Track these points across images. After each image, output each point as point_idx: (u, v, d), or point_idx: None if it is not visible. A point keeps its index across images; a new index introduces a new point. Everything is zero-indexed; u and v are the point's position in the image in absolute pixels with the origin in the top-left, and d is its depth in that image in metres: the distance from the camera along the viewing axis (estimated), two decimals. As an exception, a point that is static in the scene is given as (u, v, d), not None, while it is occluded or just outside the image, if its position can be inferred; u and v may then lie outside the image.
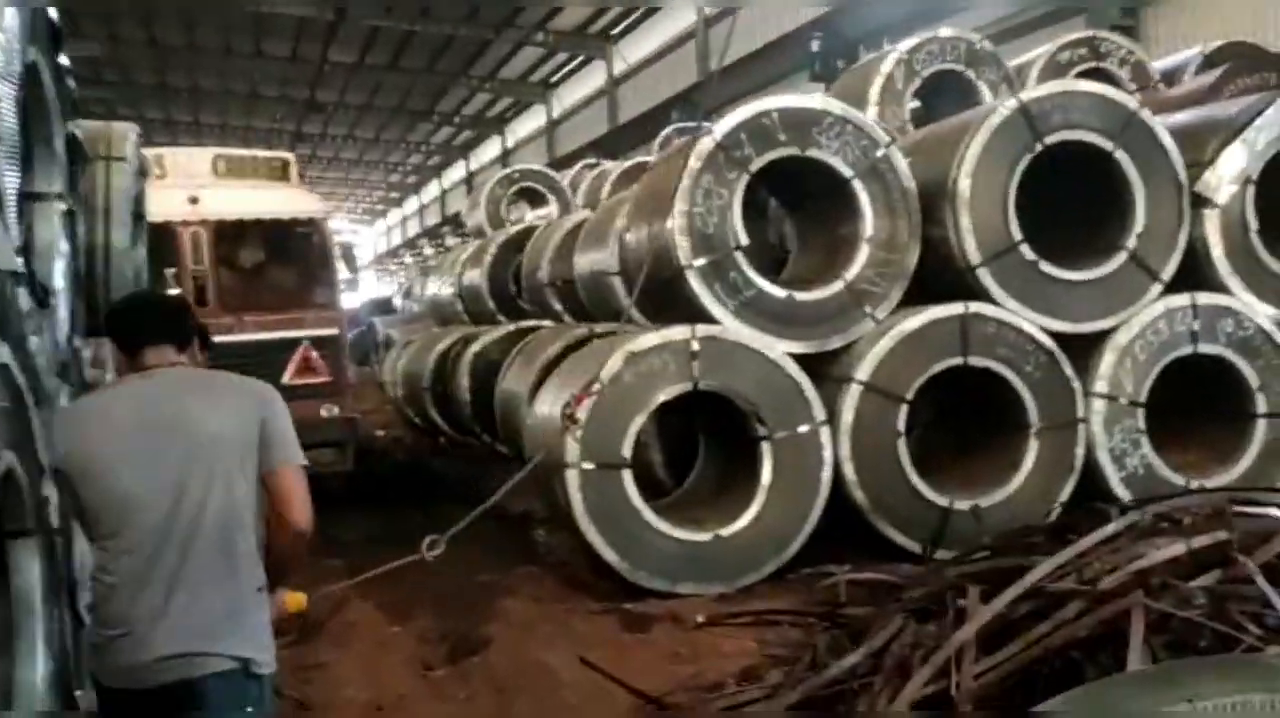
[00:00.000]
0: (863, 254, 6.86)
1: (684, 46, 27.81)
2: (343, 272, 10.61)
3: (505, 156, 40.25)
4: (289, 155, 10.47)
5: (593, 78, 33.42)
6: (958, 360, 6.65)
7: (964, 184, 6.68)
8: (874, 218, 6.87)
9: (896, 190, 6.90)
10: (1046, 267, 6.78)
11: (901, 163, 6.91)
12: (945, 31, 10.34)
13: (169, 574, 3.22)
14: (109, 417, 3.36)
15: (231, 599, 3.28)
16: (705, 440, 7.56)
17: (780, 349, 6.64)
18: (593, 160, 18.58)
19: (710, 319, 6.63)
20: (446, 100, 39.21)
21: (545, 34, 30.88)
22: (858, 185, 6.85)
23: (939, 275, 6.90)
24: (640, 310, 9.23)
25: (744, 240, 6.72)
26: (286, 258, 10.14)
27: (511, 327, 11.96)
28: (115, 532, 3.24)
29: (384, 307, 30.69)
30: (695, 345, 6.45)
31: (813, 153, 6.81)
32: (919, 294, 6.94)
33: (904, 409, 6.60)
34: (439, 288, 16.25)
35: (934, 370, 6.64)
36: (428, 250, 47.02)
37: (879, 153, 6.87)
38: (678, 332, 6.50)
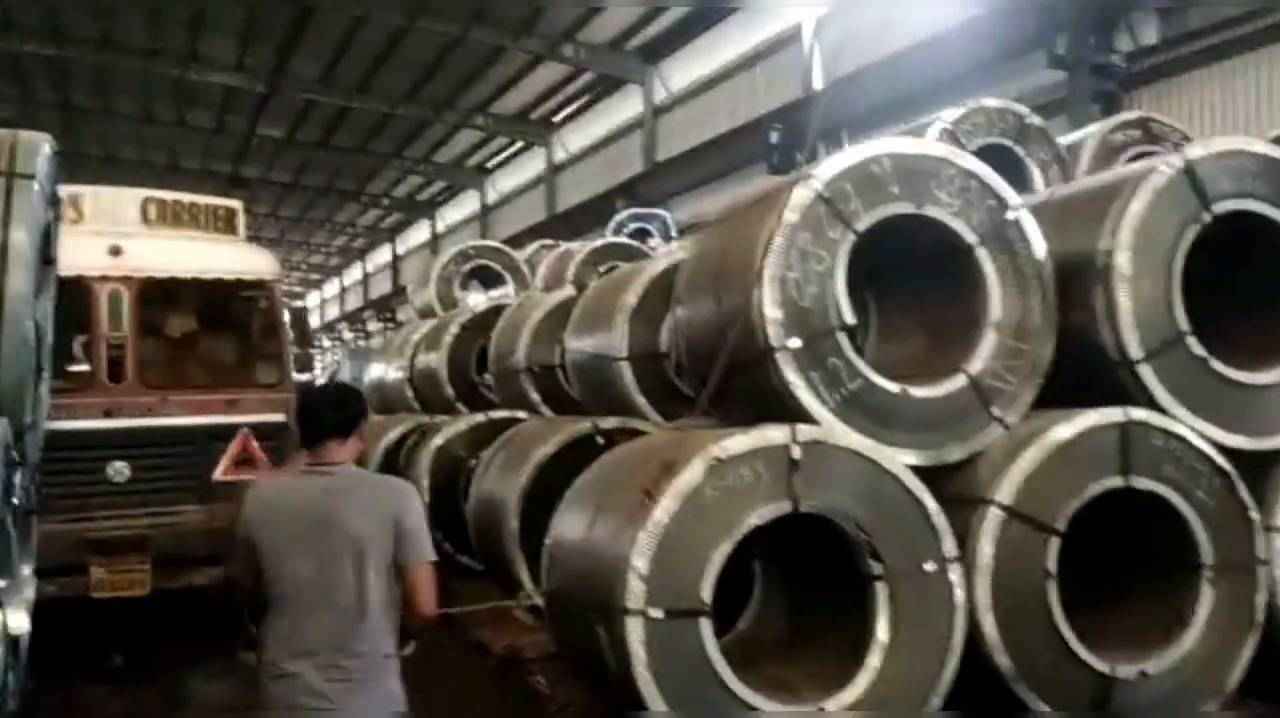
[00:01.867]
0: (988, 341, 5.31)
1: (629, 136, 26.66)
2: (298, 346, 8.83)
3: (435, 241, 38.59)
4: (236, 204, 8.65)
5: (531, 164, 32.10)
6: (1118, 482, 5.10)
7: (1121, 259, 5.20)
8: (1002, 296, 5.34)
9: (1028, 264, 5.40)
10: (1218, 365, 5.31)
11: (1035, 230, 5.41)
12: (992, 102, 9.08)
13: (316, 638, 3.78)
14: (287, 505, 3.93)
15: (363, 663, 3.79)
16: (765, 568, 5.86)
17: (900, 460, 5.01)
18: (549, 241, 16.99)
19: (806, 417, 4.98)
20: (377, 182, 37.55)
21: (486, 117, 29.52)
22: (983, 254, 5.33)
23: (1078, 373, 5.37)
24: (676, 402, 7.51)
25: (850, 318, 5.12)
26: (227, 326, 8.31)
27: (480, 417, 10.16)
28: (283, 595, 3.84)
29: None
30: (796, 452, 4.79)
31: (930, 211, 5.28)
32: (1049, 396, 5.40)
33: (1055, 543, 5.00)
34: (384, 371, 14.37)
35: (1090, 494, 5.07)
36: (347, 334, 44.86)
37: (1009, 215, 5.38)
38: (774, 433, 4.82)
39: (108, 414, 7.43)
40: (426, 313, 14.78)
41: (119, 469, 7.47)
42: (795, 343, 4.99)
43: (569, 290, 9.91)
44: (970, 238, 5.30)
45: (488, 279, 15.22)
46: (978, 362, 5.27)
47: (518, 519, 7.53)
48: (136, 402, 7.46)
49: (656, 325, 7.89)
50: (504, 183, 34.65)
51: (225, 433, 7.71)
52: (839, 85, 18.79)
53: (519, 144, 31.98)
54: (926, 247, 5.44)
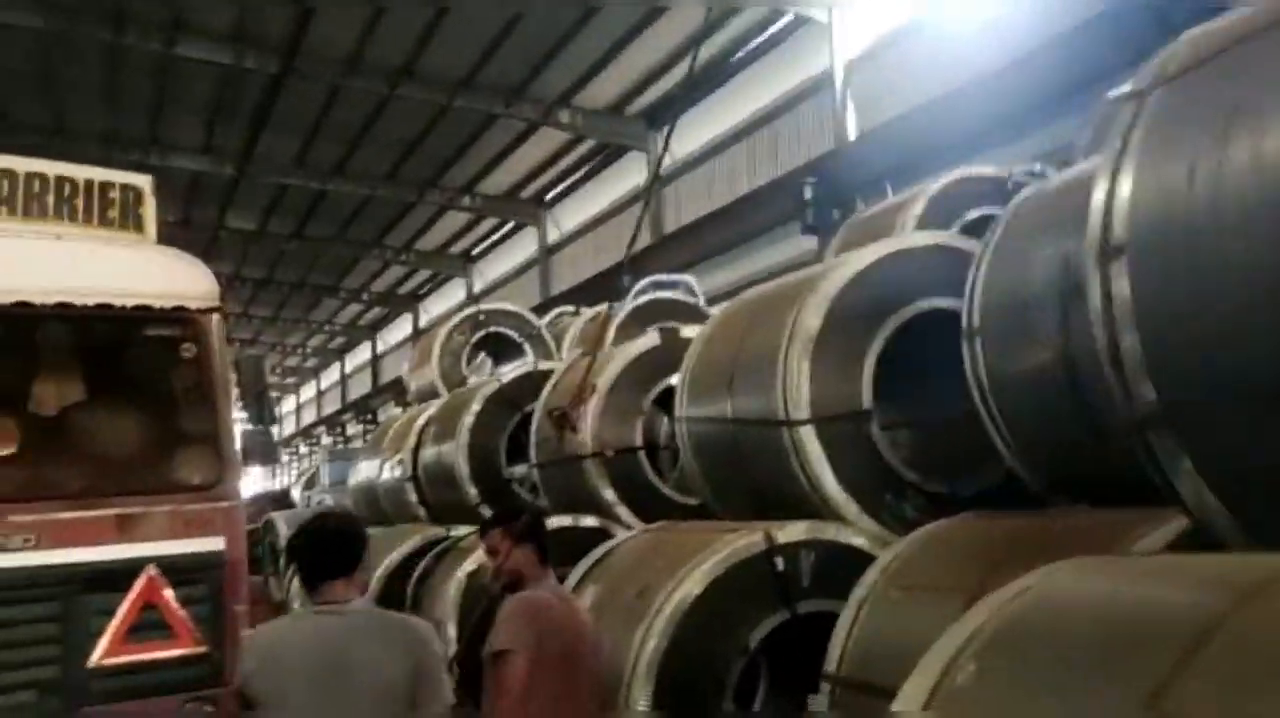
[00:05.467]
0: None
1: (632, 208, 23.74)
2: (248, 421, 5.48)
3: (417, 336, 35.34)
4: (143, 181, 5.41)
5: (521, 247, 29.12)
6: None
7: None
8: None
9: None
10: None
11: None
12: (987, 170, 6.51)
13: None
14: (295, 651, 3.50)
15: None
16: None
17: None
18: (568, 307, 13.86)
19: None
20: (355, 275, 34.42)
21: (473, 197, 26.60)
22: None
23: None
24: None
25: None
26: (123, 390, 5.07)
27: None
28: None
29: (281, 501, 24.74)
30: None
31: None
32: None
33: None
34: (375, 471, 11.00)
35: None
36: (325, 439, 41.21)
37: None
38: None
39: None
40: (425, 397, 11.54)
41: None
42: None
43: (652, 338, 6.68)
44: None
45: (501, 352, 12.02)
46: None
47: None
48: None
49: (848, 372, 4.67)
50: (492, 269, 31.71)
51: (114, 577, 4.43)
52: (877, 133, 16.48)
53: (509, 225, 29.11)
54: None
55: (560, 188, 26.44)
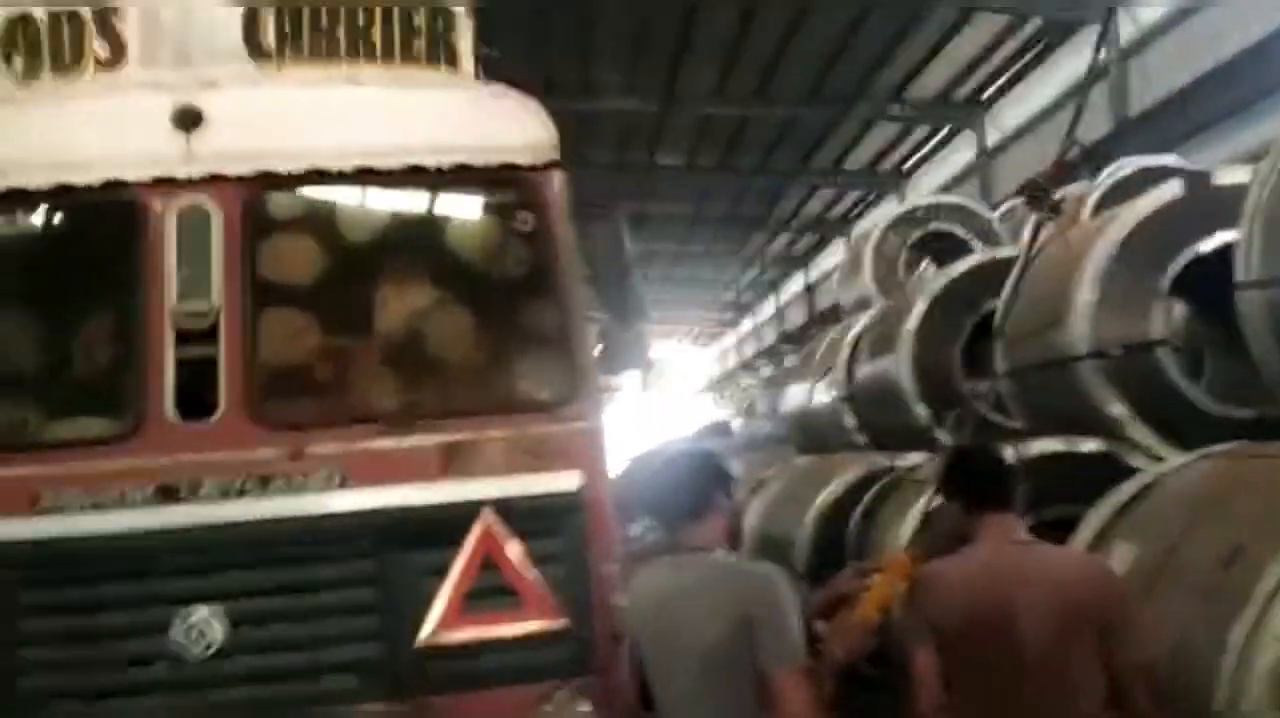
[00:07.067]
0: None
1: (1082, 94, 20.49)
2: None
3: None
4: (455, 3, 4.30)
5: (957, 154, 26.60)
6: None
7: None
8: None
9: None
10: None
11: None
12: None
13: None
14: (633, 612, 3.27)
15: None
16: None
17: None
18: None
19: None
20: (782, 204, 33.51)
21: (902, 105, 24.53)
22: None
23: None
24: None
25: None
26: (446, 277, 4.04)
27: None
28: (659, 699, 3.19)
29: (722, 431, 24.43)
30: None
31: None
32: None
33: None
34: (806, 396, 9.71)
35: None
36: (765, 372, 41.03)
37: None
38: None
39: (171, 496, 3.38)
40: (859, 308, 10.08)
41: (202, 625, 3.35)
42: None
43: (1172, 189, 4.69)
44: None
45: (944, 255, 10.23)
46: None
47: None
48: (242, 461, 3.34)
49: None
50: (925, 184, 29.40)
51: (442, 525, 3.42)
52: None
53: (942, 133, 26.74)
54: None
55: (998, 83, 23.64)
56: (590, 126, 26.19)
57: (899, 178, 30.09)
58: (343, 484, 3.56)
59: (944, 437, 6.71)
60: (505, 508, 3.59)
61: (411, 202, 4.07)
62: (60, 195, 3.42)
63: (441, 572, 3.57)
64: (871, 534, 6.03)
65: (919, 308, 6.65)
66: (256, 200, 3.76)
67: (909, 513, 5.57)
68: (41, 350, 3.80)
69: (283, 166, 3.70)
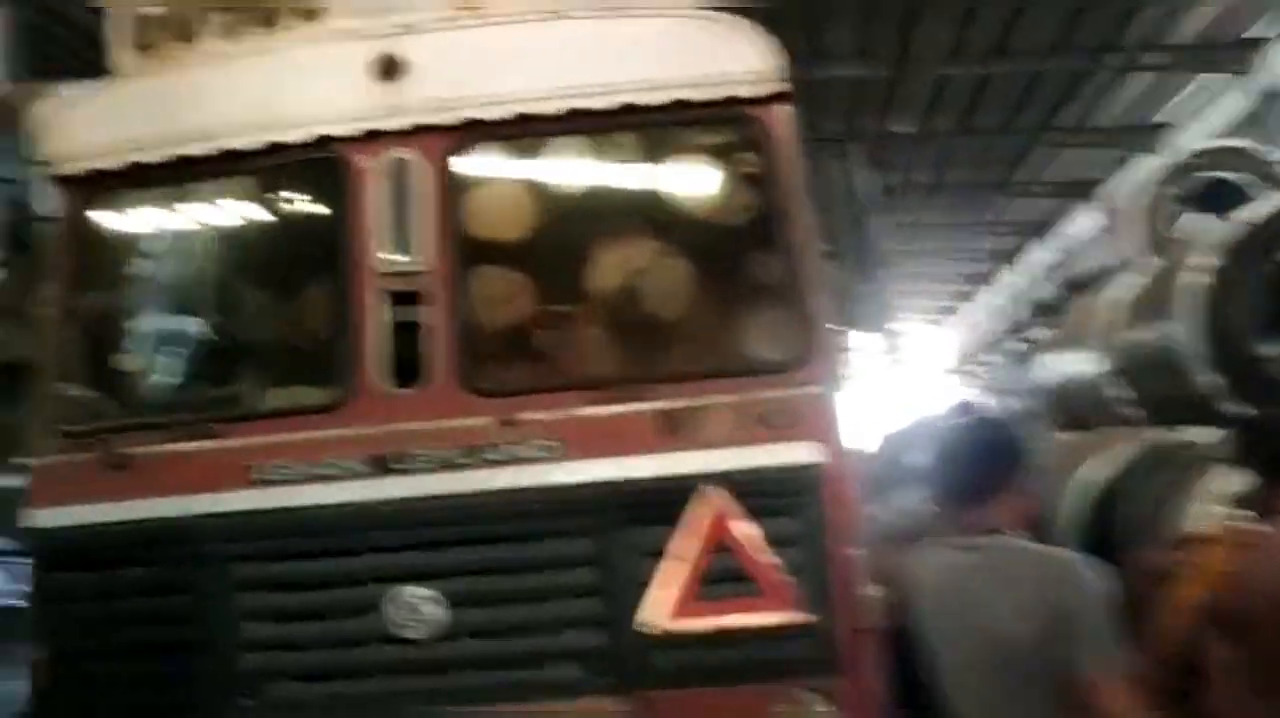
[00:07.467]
0: None
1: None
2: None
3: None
4: None
5: (1226, 103, 24.15)
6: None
7: None
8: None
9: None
10: None
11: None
12: None
13: None
14: (921, 598, 2.91)
15: None
16: None
17: None
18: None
19: None
20: (1026, 167, 31.57)
21: (1159, 51, 22.52)
22: None
23: None
24: None
25: None
26: (661, 226, 3.72)
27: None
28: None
29: (968, 411, 23.20)
30: None
31: None
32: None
33: None
34: (1064, 367, 8.88)
35: None
36: (1011, 346, 38.97)
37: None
38: None
39: (383, 466, 3.19)
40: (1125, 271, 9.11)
41: (418, 604, 3.15)
42: None
43: None
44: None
45: (1219, 202, 9.11)
46: None
47: None
48: (456, 430, 3.13)
49: None
50: (1187, 140, 26.88)
51: (666, 502, 3.09)
52: None
53: (1207, 80, 24.39)
54: None
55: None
56: (819, 94, 25.50)
57: (1156, 133, 27.72)
58: (561, 456, 3.32)
59: (1232, 407, 5.87)
60: (736, 482, 3.24)
61: (625, 145, 3.77)
62: (267, 155, 3.36)
63: (665, 553, 3.25)
64: (1151, 515, 5.30)
65: (1206, 261, 5.78)
66: (463, 151, 3.56)
67: (1195, 491, 4.84)
68: (250, 318, 3.77)
69: (489, 114, 3.49)
